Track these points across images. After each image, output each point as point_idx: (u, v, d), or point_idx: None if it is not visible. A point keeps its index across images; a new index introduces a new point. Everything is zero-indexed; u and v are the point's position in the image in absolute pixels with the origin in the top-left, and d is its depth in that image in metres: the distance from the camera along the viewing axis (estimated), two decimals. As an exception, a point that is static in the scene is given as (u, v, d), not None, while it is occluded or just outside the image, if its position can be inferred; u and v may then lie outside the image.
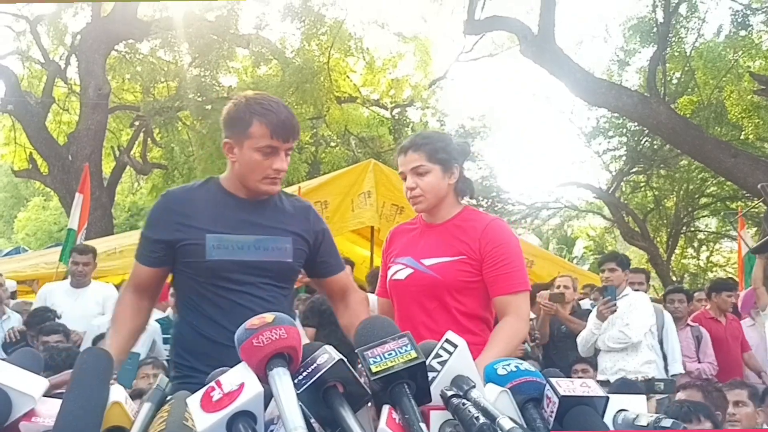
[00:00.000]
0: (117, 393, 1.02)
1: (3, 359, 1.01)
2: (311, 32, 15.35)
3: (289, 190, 9.17)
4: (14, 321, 5.38)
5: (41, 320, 4.88)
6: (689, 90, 16.81)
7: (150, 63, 16.52)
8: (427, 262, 2.45)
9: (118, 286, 6.43)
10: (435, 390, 1.07)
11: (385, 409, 1.03)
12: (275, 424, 1.03)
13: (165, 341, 5.29)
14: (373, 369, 1.03)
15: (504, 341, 2.31)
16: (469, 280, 2.40)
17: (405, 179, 2.48)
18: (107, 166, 16.55)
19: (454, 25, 21.98)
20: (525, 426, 1.06)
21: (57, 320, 5.03)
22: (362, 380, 1.05)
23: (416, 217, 2.63)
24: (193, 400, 1.00)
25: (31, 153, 15.73)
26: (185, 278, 2.21)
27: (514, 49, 17.02)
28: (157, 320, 5.46)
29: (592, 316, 5.17)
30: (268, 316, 1.07)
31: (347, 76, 17.52)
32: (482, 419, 0.94)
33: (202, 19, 15.69)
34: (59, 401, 0.98)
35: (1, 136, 17.83)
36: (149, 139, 17.06)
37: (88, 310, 5.36)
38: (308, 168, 15.58)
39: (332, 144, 18.35)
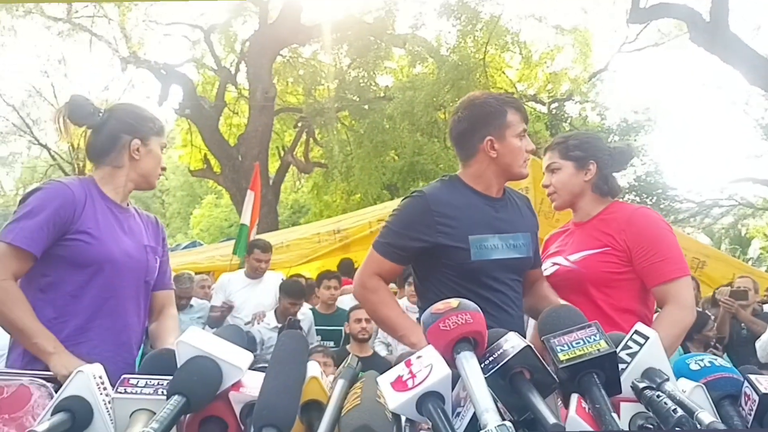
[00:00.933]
0: (313, 369, 1.08)
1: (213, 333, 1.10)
2: (467, 29, 15.34)
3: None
4: (199, 310, 5.80)
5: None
6: None
7: (312, 66, 17.23)
8: (572, 257, 2.42)
9: (314, 279, 6.76)
10: (624, 382, 1.04)
11: (574, 398, 1.01)
12: (462, 406, 1.04)
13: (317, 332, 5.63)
14: (561, 357, 1.02)
15: (663, 331, 2.14)
16: (615, 271, 2.32)
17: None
18: (272, 166, 17.46)
19: (616, 15, 21.05)
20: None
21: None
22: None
23: (570, 221, 2.62)
24: (384, 380, 1.04)
25: (205, 154, 16.97)
26: (442, 278, 2.24)
27: (681, 37, 16.09)
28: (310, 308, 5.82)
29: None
30: (453, 301, 1.08)
31: (503, 72, 17.34)
32: (680, 412, 0.90)
33: (361, 22, 16.16)
34: (261, 374, 1.05)
35: (179, 138, 19.32)
36: (311, 139, 17.78)
37: (263, 299, 5.69)
38: (464, 165, 15.56)
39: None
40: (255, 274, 5.77)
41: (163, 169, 2.36)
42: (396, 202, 9.93)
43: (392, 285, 5.70)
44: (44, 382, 1.90)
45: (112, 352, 2.15)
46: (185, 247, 11.56)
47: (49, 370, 1.99)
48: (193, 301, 5.83)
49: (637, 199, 19.92)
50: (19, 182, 27.91)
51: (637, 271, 2.30)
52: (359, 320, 5.03)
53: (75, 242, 2.11)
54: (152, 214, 2.52)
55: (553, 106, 18.63)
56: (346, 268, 7.25)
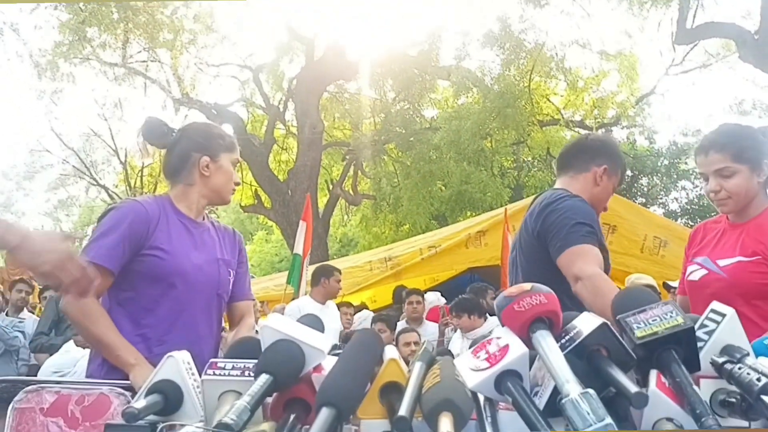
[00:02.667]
0: (391, 351, 1.11)
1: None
2: (511, 57, 15.40)
3: (493, 213, 9.23)
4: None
5: None
6: None
7: (358, 101, 17.48)
8: (722, 263, 2.31)
9: (339, 305, 6.96)
10: (703, 360, 1.05)
11: (653, 373, 1.02)
12: (539, 386, 1.06)
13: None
14: (638, 334, 1.03)
15: None
16: (765, 282, 2.21)
17: (706, 180, 2.35)
18: (321, 200, 17.67)
19: (661, 38, 20.90)
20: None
21: None
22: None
23: (720, 215, 2.49)
24: (461, 361, 1.06)
25: (256, 190, 17.28)
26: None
27: (729, 57, 15.86)
28: None
29: None
30: (525, 285, 1.10)
31: (548, 99, 17.30)
32: (765, 380, 0.90)
33: (405, 55, 16.38)
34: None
35: (232, 175, 19.67)
36: (359, 171, 17.97)
37: (333, 324, 5.93)
38: (511, 193, 15.52)
39: (534, 168, 18.13)
40: (329, 297, 5.97)
41: (237, 184, 2.41)
42: (444, 231, 10.03)
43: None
44: (123, 390, 1.97)
45: None
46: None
47: (128, 380, 2.06)
48: None
49: (691, 222, 19.47)
50: (78, 224, 28.79)
51: None
52: (408, 344, 5.15)
53: (149, 257, 2.18)
54: (230, 227, 2.57)
55: (600, 131, 18.45)
56: (400, 296, 7.35)
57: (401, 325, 6.43)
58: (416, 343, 5.19)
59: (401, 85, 16.43)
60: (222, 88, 41.09)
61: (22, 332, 6.23)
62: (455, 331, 6.15)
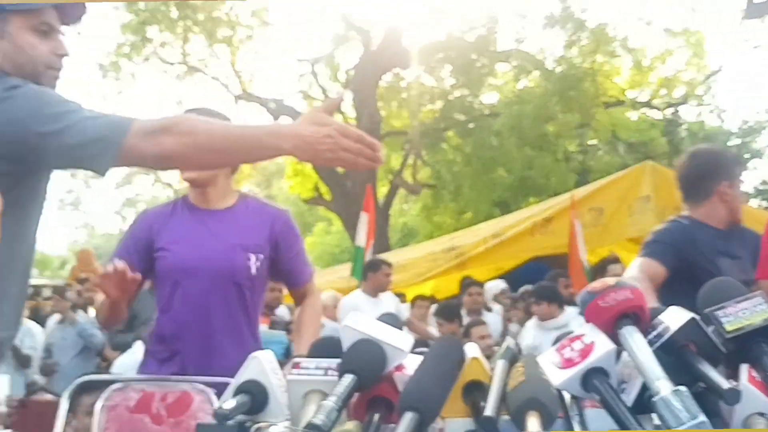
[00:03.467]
0: (473, 350, 1.11)
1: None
2: (572, 38, 15.09)
3: (559, 199, 9.06)
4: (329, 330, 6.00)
5: None
6: None
7: (415, 89, 17.41)
8: None
9: (414, 298, 7.05)
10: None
11: (744, 368, 0.99)
12: (626, 382, 1.03)
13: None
14: (727, 327, 1.00)
15: None
16: None
17: None
18: (381, 190, 17.70)
19: (729, 13, 20.14)
20: None
21: None
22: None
23: None
24: (545, 359, 1.05)
25: (315, 182, 17.45)
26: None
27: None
28: None
29: None
30: (610, 280, 1.08)
31: (613, 80, 16.88)
32: None
33: (462, 41, 16.23)
34: (421, 357, 1.09)
35: (289, 168, 19.97)
36: (418, 160, 17.93)
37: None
38: (576, 178, 15.22)
39: (600, 151, 17.74)
40: (380, 290, 5.94)
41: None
42: (508, 218, 9.89)
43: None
44: (204, 387, 2.03)
45: (201, 362, 2.19)
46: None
47: (179, 373, 2.11)
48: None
49: (765, 203, 18.75)
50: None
51: None
52: (483, 337, 5.14)
53: (157, 259, 2.25)
54: (274, 207, 2.44)
55: (667, 111, 17.92)
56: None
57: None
58: (488, 336, 5.19)
59: (459, 71, 16.27)
60: (279, 82, 41.53)
61: (100, 329, 6.41)
62: (521, 324, 6.10)
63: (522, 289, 6.94)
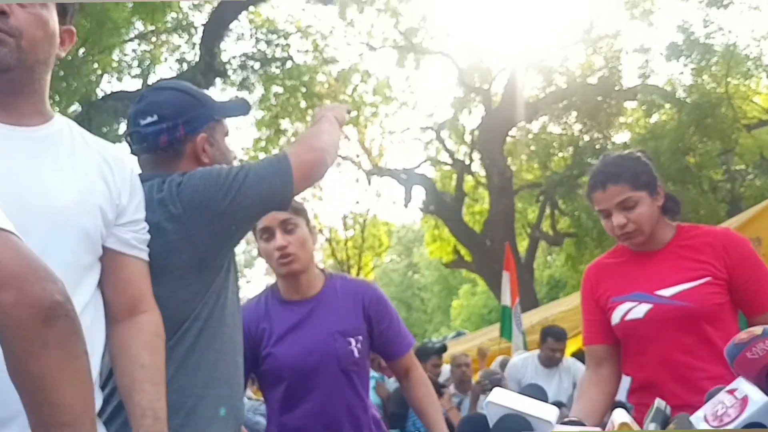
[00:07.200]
0: (622, 416, 1.09)
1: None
2: (701, 65, 14.48)
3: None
4: None
5: None
6: None
7: (543, 139, 17.26)
8: (667, 292, 2.09)
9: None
10: None
11: None
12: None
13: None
14: None
15: None
16: (720, 302, 2.06)
17: (608, 216, 2.14)
18: (521, 245, 17.47)
19: None
20: None
21: None
22: None
23: (614, 250, 2.28)
24: (697, 418, 1.02)
25: (454, 245, 17.54)
26: None
27: None
28: None
29: None
30: (756, 329, 1.05)
31: (751, 100, 15.95)
32: None
33: (585, 85, 16.01)
34: (571, 427, 1.09)
35: (428, 235, 20.20)
36: (555, 210, 17.62)
37: (561, 388, 5.36)
38: (727, 207, 14.33)
39: (750, 176, 16.64)
40: (550, 362, 5.51)
41: (280, 248, 2.21)
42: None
43: None
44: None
45: None
46: (452, 338, 11.89)
47: None
48: None
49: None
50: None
51: (738, 299, 2.09)
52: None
53: (264, 363, 2.23)
54: (363, 283, 2.47)
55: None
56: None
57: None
58: None
59: (586, 114, 16.01)
60: (408, 152, 42.68)
61: (263, 415, 6.55)
62: None
63: None
